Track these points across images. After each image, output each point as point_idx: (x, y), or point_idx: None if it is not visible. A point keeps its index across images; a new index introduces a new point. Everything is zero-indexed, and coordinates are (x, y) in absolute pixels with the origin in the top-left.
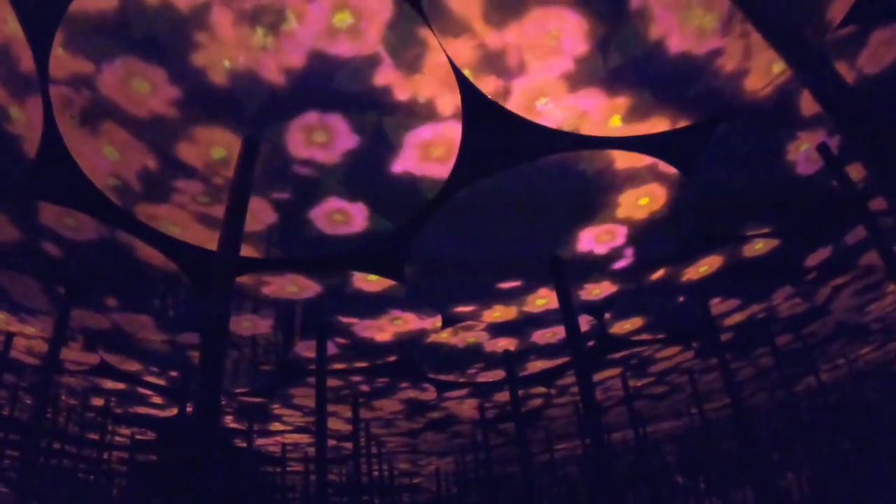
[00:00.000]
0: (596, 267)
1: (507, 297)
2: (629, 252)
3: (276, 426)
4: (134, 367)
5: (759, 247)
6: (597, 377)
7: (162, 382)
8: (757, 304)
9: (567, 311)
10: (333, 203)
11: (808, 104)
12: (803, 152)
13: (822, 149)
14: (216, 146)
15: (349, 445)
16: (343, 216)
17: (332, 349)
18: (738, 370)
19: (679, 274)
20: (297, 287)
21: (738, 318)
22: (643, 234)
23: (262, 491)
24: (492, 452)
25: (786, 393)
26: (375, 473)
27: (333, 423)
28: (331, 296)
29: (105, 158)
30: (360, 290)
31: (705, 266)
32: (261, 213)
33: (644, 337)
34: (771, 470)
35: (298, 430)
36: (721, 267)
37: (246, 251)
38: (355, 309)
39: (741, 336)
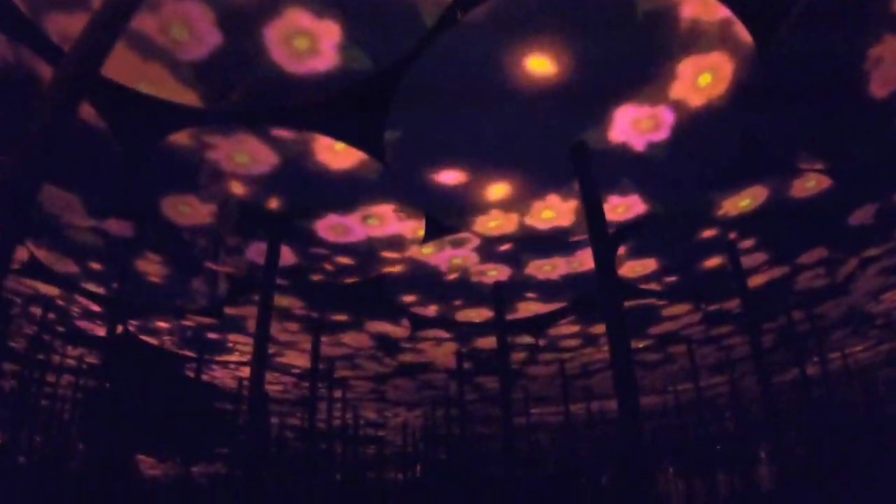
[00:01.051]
0: (625, 169)
1: (509, 201)
2: (669, 152)
3: (233, 357)
4: (69, 267)
5: (810, 184)
6: (592, 330)
7: (101, 290)
8: (781, 266)
9: (592, 210)
10: (297, 17)
11: None
12: (882, 66)
13: None
14: None
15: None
16: (309, 42)
17: (288, 258)
18: (736, 346)
19: (716, 203)
20: (247, 156)
21: (757, 280)
22: (692, 131)
23: (216, 428)
24: (467, 408)
25: (800, 373)
26: (337, 421)
27: (292, 358)
28: (289, 173)
29: None
30: (325, 169)
31: (748, 199)
32: (200, 30)
33: (653, 286)
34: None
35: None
36: (763, 204)
37: (186, 97)
38: (317, 197)
39: (756, 302)
